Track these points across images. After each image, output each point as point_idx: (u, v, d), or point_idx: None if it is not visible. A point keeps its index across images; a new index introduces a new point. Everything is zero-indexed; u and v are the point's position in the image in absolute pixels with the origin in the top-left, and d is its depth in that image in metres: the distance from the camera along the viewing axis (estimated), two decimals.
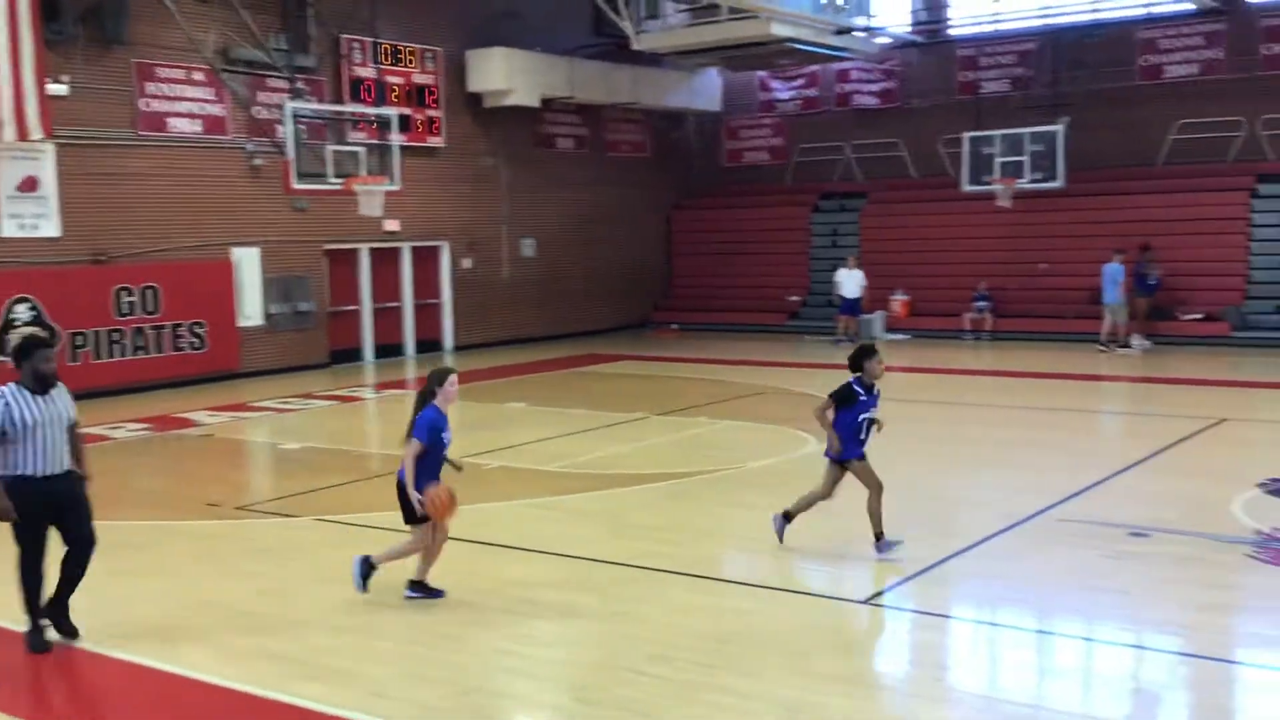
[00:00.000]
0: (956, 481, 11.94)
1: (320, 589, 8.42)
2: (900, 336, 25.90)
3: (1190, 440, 13.51)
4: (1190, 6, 25.40)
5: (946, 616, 7.93)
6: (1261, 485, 10.88)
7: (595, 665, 6.89)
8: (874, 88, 29.52)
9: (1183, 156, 25.80)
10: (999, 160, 24.21)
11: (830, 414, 8.82)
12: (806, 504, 9.14)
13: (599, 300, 28.85)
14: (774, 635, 7.25)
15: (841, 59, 27.96)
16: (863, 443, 8.86)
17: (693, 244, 30.81)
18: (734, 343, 25.61)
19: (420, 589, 8.06)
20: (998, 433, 14.73)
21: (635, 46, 25.19)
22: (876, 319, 26.26)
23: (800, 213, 29.77)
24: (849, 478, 8.92)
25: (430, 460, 7.74)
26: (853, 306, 25.34)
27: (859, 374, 8.90)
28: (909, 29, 28.72)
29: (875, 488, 8.84)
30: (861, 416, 8.81)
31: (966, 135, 24.91)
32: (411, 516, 7.84)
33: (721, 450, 13.49)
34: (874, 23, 26.81)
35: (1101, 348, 22.70)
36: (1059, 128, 24.01)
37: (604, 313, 28.92)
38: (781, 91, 30.85)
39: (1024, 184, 23.99)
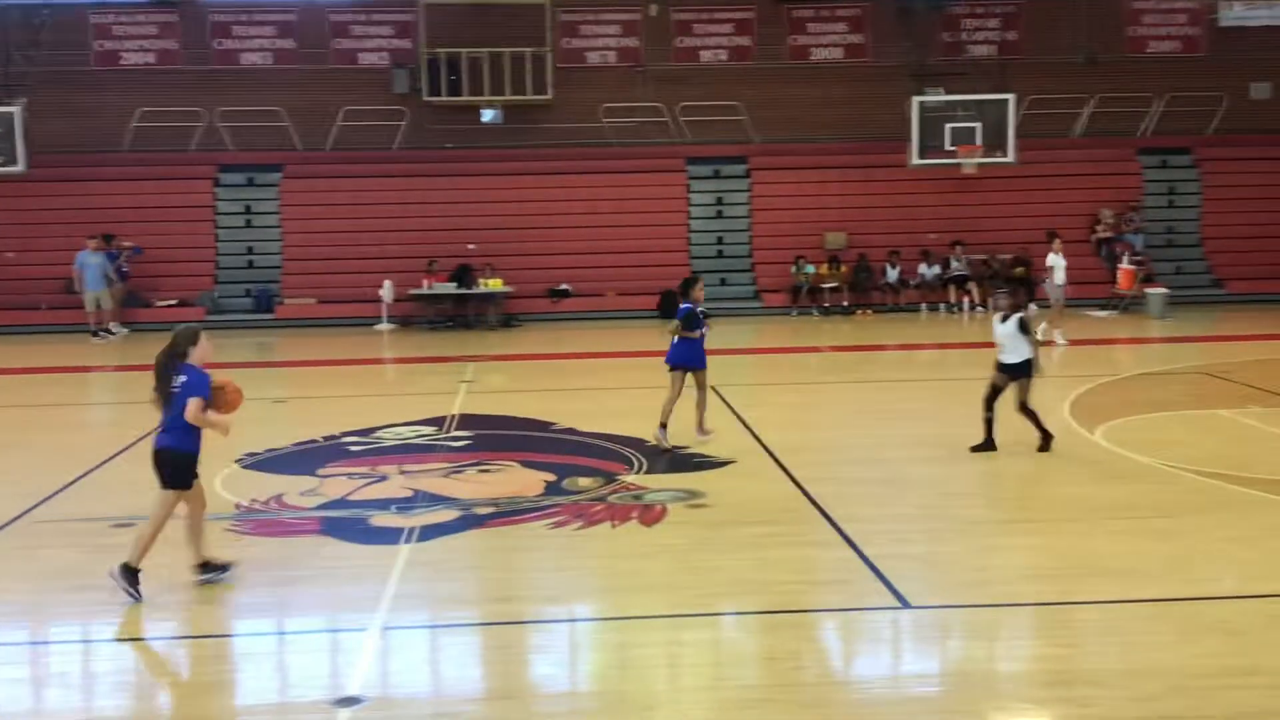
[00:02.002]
0: None
1: None
2: None
3: None
4: None
5: None
6: (239, 461, 11.53)
7: None
8: None
9: (147, 144, 26.11)
10: None
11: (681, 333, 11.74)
12: (668, 409, 11.82)
13: None
14: None
15: None
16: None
17: None
18: None
19: (210, 569, 7.82)
20: None
21: None
22: None
23: None
24: None
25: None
26: None
27: (689, 301, 11.85)
28: None
29: (705, 388, 12.05)
30: (701, 332, 11.76)
31: None
32: (173, 482, 7.63)
33: None
34: None
35: (94, 337, 22.32)
36: (16, 109, 22.80)
37: None
38: None
39: None
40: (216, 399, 7.70)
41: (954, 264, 25.12)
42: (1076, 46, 26.82)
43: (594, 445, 12.07)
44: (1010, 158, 24.28)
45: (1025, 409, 11.23)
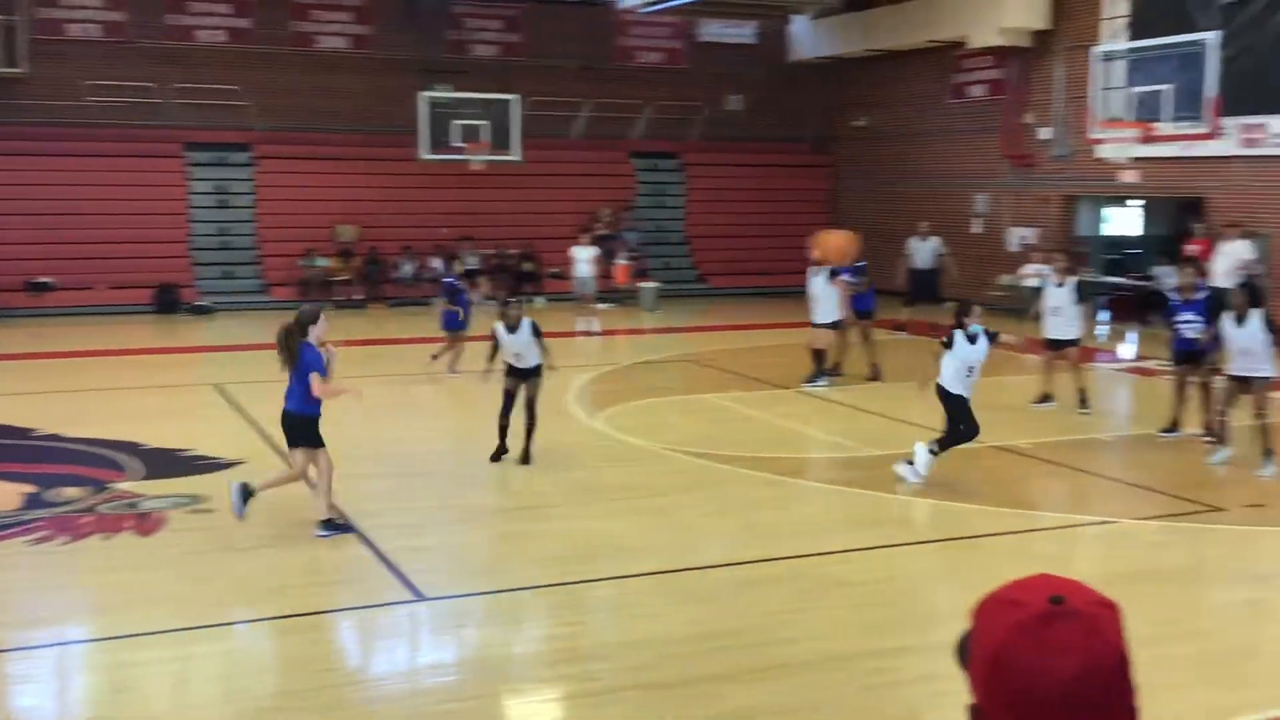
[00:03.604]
0: None
1: None
2: None
3: None
4: None
5: None
6: None
7: None
8: None
9: None
10: None
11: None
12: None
13: None
14: None
15: None
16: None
17: None
18: None
19: (331, 526, 8.38)
20: None
21: None
22: None
23: None
24: None
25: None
26: None
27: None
28: None
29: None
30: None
31: None
32: (309, 441, 8.47)
33: None
34: None
35: None
36: None
37: None
38: None
39: None
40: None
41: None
42: (572, 53, 28.16)
43: (82, 452, 11.11)
44: (516, 156, 25.07)
45: (532, 409, 10.84)
